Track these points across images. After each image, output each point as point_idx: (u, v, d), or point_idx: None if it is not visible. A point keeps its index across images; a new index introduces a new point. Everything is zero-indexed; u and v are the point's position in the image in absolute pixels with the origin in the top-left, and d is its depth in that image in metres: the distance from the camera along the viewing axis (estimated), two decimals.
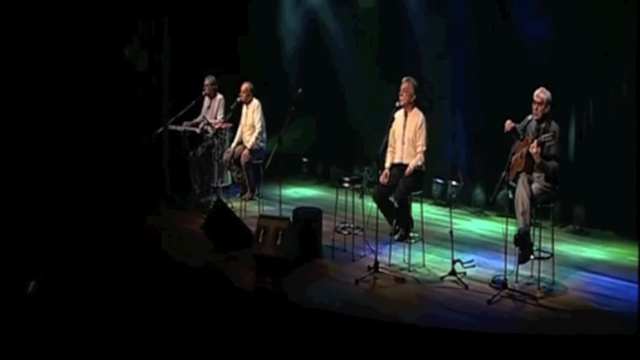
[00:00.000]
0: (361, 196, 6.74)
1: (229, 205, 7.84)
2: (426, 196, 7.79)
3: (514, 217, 6.28)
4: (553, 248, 6.31)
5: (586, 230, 7.82)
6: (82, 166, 8.93)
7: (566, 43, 7.78)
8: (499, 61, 8.24)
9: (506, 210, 8.26)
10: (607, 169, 7.61)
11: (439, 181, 8.87)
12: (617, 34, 7.44)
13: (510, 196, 8.12)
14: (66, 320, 5.36)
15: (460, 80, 8.74)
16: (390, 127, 6.62)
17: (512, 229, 6.33)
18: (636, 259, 6.86)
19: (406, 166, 6.56)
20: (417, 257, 6.78)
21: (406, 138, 6.62)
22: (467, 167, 8.72)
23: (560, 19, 7.78)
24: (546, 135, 5.95)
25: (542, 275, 6.18)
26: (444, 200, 8.95)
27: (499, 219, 8.36)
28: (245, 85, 8.64)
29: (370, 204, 6.87)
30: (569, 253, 7.05)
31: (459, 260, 6.47)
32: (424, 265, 6.72)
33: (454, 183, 8.87)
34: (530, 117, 6.23)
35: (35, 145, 8.80)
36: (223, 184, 8.85)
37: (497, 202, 8.32)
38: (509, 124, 6.27)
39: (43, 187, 8.44)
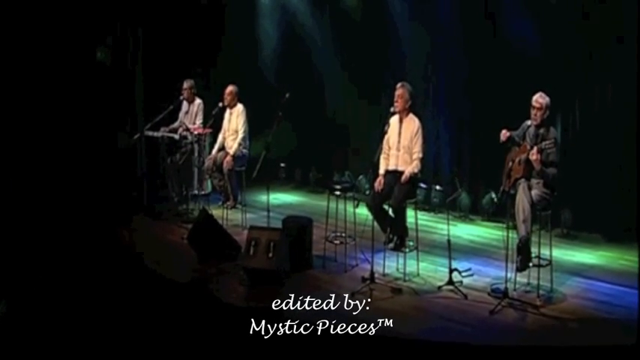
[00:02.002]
0: (356, 206, 6.52)
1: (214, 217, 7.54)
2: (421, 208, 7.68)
3: (501, 220, 6.15)
4: (551, 255, 6.22)
5: (573, 234, 7.77)
6: (54, 174, 8.57)
7: (552, 45, 7.74)
8: (485, 64, 8.17)
9: (490, 213, 8.33)
10: (593, 172, 7.60)
11: (422, 185, 8.73)
12: (602, 36, 7.41)
13: (496, 200, 8.13)
14: (39, 341, 5.08)
15: (444, 82, 8.68)
16: (385, 133, 6.42)
17: (502, 235, 6.18)
18: (627, 262, 6.92)
19: (401, 173, 6.38)
20: (410, 266, 6.61)
21: (402, 145, 6.43)
22: (449, 172, 8.64)
23: (545, 22, 7.74)
24: (547, 142, 5.84)
25: (540, 282, 6.08)
26: (427, 205, 8.84)
27: (485, 223, 8.33)
28: (230, 89, 8.26)
29: (362, 212, 6.68)
30: (561, 258, 6.96)
31: (456, 269, 6.33)
32: (419, 274, 6.57)
33: (438, 187, 8.76)
34: (528, 122, 6.11)
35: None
36: (203, 192, 8.55)
37: (487, 200, 8.26)
38: (504, 133, 6.15)
39: (13, 198, 8.06)
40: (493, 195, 8.22)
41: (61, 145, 8.46)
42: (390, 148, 6.50)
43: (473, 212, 8.59)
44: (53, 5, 8.45)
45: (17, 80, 8.83)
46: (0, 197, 8.03)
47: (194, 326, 5.81)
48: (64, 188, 8.35)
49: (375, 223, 6.42)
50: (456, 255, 6.84)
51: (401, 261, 6.65)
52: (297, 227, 6.69)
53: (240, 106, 8.32)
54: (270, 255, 6.27)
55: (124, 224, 7.95)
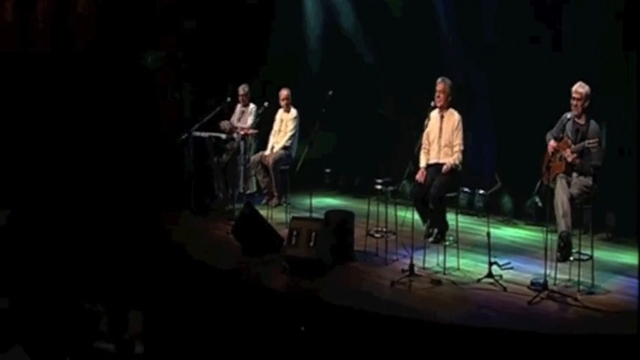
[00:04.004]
0: (396, 198, 6.62)
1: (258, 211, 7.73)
2: (453, 205, 7.71)
3: (544, 224, 6.14)
4: (592, 251, 6.19)
5: (617, 238, 7.69)
6: (105, 173, 8.91)
7: (593, 42, 7.65)
8: (529, 63, 8.14)
9: (534, 218, 8.30)
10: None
11: (466, 190, 8.76)
12: None
13: (540, 204, 8.09)
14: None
15: (487, 82, 8.62)
16: (425, 127, 6.53)
17: (540, 236, 6.19)
18: None
19: (442, 165, 6.47)
20: (451, 261, 6.65)
21: (443, 139, 6.54)
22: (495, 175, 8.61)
23: (586, 18, 7.68)
24: (592, 141, 5.85)
25: (581, 279, 6.06)
26: (471, 209, 8.85)
27: (528, 227, 8.29)
28: (285, 93, 8.67)
29: (402, 213, 6.80)
30: (605, 258, 6.91)
31: (495, 262, 6.35)
32: (459, 269, 6.60)
33: (482, 192, 8.77)
34: (568, 115, 6.14)
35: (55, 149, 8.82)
36: (248, 191, 8.77)
37: (531, 204, 8.18)
38: (552, 145, 6.14)
39: (66, 194, 8.41)
40: (537, 199, 8.19)
41: (115, 144, 8.82)
42: (430, 142, 6.61)
43: (517, 217, 8.57)
44: (112, 10, 8.89)
45: (77, 82, 9.30)
46: (60, 193, 8.40)
47: (237, 311, 5.99)
48: (116, 185, 8.69)
49: (416, 217, 6.51)
50: (496, 253, 6.84)
51: (441, 256, 6.71)
52: (339, 220, 6.81)
53: (294, 111, 8.70)
54: (312, 244, 6.40)
55: (172, 220, 8.27)
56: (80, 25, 9.64)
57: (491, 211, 8.59)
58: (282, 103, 8.67)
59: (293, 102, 8.78)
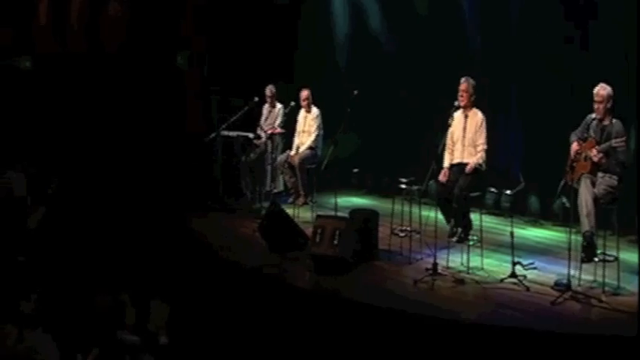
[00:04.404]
0: (420, 197, 6.65)
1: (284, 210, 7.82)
2: (479, 205, 7.70)
3: (571, 224, 6.11)
4: (618, 252, 6.15)
5: None
6: (133, 170, 9.09)
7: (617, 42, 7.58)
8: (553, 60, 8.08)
9: (560, 218, 8.24)
10: None
11: (492, 190, 8.73)
12: None
13: (567, 204, 8.03)
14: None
15: (515, 83, 8.54)
16: (449, 127, 6.56)
17: (565, 236, 6.16)
18: None
19: (466, 165, 6.49)
20: (475, 261, 6.65)
21: (466, 139, 6.56)
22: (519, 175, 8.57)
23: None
24: (618, 140, 5.81)
25: (606, 280, 6.02)
26: (498, 210, 8.82)
27: (555, 228, 8.24)
28: (306, 93, 8.75)
29: (426, 212, 6.82)
30: (631, 259, 6.84)
31: (519, 262, 6.35)
32: (482, 268, 6.60)
33: (508, 192, 8.73)
34: (593, 115, 6.11)
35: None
36: (275, 190, 8.87)
37: (558, 204, 8.11)
38: (574, 147, 6.12)
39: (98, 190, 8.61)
40: (564, 199, 8.13)
41: (146, 142, 9.00)
42: (454, 142, 6.63)
43: (544, 217, 8.52)
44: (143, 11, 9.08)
45: (110, 82, 9.52)
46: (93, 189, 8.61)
47: (260, 308, 6.08)
48: (147, 183, 8.86)
49: (440, 216, 6.53)
50: (521, 254, 6.82)
51: (465, 256, 6.72)
52: (363, 218, 6.87)
53: (315, 110, 8.78)
54: (335, 242, 6.47)
55: (200, 217, 8.41)
56: (112, 27, 9.87)
57: (518, 211, 8.57)
58: (303, 103, 8.76)
59: (315, 101, 8.84)
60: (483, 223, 7.30)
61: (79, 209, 7.84)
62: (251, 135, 8.84)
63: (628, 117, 6.49)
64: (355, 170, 10.36)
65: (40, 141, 9.45)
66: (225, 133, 8.78)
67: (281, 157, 8.74)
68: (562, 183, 6.23)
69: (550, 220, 8.42)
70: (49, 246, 6.42)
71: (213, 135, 8.74)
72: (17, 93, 9.93)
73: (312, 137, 8.66)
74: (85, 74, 9.70)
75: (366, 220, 6.86)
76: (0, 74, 9.98)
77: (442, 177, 6.58)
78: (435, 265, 6.33)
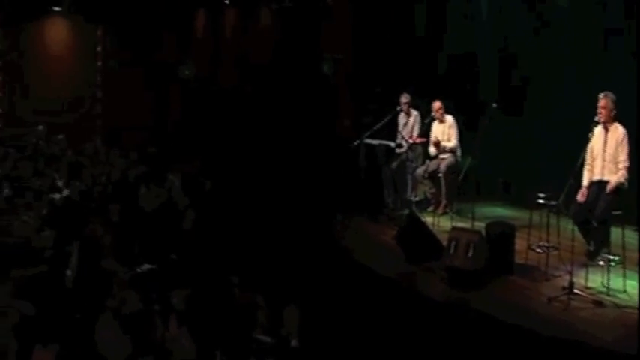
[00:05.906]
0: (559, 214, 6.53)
1: (422, 219, 7.95)
2: (628, 222, 7.36)
3: None
4: None
5: None
6: (284, 175, 9.57)
7: None
8: None
9: None
10: None
11: None
12: None
13: None
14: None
15: None
16: (588, 143, 6.39)
17: None
18: None
19: (606, 183, 6.29)
20: (616, 282, 6.43)
21: (607, 154, 6.36)
22: None
23: None
24: None
25: None
26: None
27: None
28: (438, 104, 8.81)
29: (566, 225, 6.66)
30: None
31: None
32: (625, 291, 6.36)
33: None
34: None
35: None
36: (416, 198, 9.00)
37: None
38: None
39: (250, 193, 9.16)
40: None
41: (298, 149, 9.46)
42: (593, 158, 6.44)
43: None
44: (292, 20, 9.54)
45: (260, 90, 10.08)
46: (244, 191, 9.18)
47: (393, 315, 6.26)
48: (295, 188, 9.32)
49: (578, 235, 6.38)
50: None
51: (605, 276, 6.50)
52: (499, 232, 6.84)
53: (450, 118, 8.82)
54: (469, 255, 6.51)
55: (344, 224, 8.74)
56: (264, 36, 10.42)
57: None
58: (437, 114, 8.79)
59: (448, 111, 8.90)
60: (629, 239, 7.01)
61: (231, 211, 8.37)
62: (392, 144, 9.03)
63: None
64: (501, 180, 10.24)
65: (198, 145, 10.18)
66: (368, 141, 9.04)
67: (420, 169, 8.84)
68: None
69: None
70: (202, 246, 6.92)
71: (357, 142, 9.02)
72: (181, 100, 10.75)
73: (452, 144, 8.73)
74: (236, 83, 10.33)
75: (501, 233, 6.83)
76: (165, 83, 10.84)
77: (580, 197, 6.40)
78: (572, 283, 6.18)
